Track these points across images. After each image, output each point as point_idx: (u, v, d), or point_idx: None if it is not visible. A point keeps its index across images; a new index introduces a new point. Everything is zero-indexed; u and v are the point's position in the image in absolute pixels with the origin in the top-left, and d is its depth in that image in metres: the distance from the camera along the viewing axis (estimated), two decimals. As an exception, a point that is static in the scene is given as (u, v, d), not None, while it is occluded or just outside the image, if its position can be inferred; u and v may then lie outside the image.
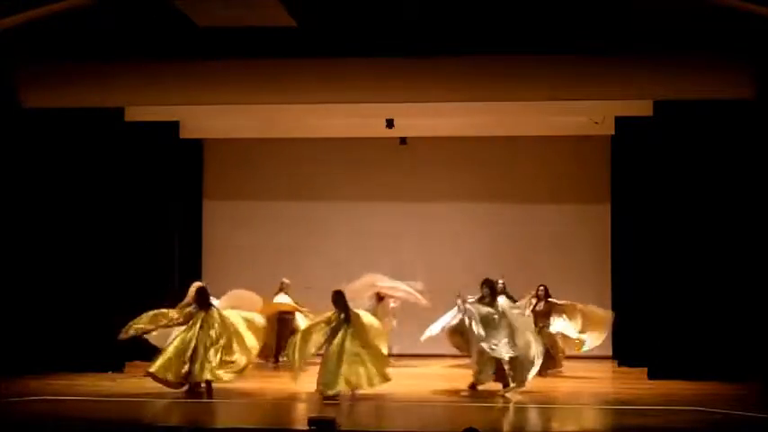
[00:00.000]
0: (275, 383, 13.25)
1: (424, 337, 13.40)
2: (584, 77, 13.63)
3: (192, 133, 16.21)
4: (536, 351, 12.38)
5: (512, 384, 12.30)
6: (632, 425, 10.61)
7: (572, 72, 13.60)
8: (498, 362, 12.38)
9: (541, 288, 14.49)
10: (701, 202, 13.81)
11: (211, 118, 15.78)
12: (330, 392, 11.81)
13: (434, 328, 13.32)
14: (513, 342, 12.26)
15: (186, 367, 12.17)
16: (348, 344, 11.95)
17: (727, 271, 13.64)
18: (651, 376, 13.74)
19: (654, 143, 14.10)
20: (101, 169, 14.50)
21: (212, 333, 12.28)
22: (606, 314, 14.19)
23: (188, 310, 12.51)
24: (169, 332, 12.58)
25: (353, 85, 13.83)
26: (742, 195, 13.66)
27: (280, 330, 14.82)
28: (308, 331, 12.28)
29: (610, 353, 15.39)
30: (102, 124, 14.46)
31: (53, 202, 14.48)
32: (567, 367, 14.70)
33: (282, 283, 15.23)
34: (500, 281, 14.35)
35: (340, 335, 11.99)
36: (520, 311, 13.02)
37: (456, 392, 12.59)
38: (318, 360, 12.23)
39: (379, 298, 14.62)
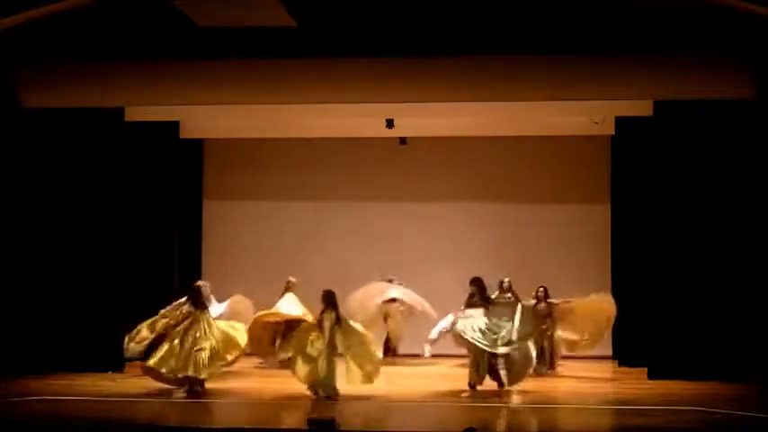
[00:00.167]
0: (275, 383, 13.25)
1: (427, 354, 13.32)
2: (584, 77, 13.63)
3: (192, 133, 16.20)
4: (532, 350, 12.47)
5: (506, 383, 12.36)
6: (632, 425, 10.61)
7: (572, 72, 13.60)
8: (491, 363, 12.43)
9: (541, 289, 14.49)
10: (701, 203, 13.81)
11: (211, 118, 15.76)
12: (321, 392, 11.92)
13: (432, 335, 13.29)
14: (509, 338, 12.31)
15: (179, 364, 12.26)
16: (338, 343, 12.05)
17: (726, 271, 13.64)
18: (651, 376, 13.74)
19: (654, 143, 14.10)
20: (101, 169, 14.51)
21: (199, 333, 12.37)
22: (606, 304, 14.04)
23: (184, 308, 12.56)
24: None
25: (353, 85, 13.83)
26: (742, 195, 13.66)
27: (286, 334, 14.80)
28: (302, 331, 12.37)
29: (610, 353, 15.38)
30: (102, 124, 14.47)
31: (53, 203, 14.48)
32: (567, 367, 14.70)
33: (289, 282, 15.15)
34: (506, 279, 14.43)
35: (328, 334, 12.03)
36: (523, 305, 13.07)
37: (456, 392, 12.58)
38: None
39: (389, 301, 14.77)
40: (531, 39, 13.17)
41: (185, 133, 15.97)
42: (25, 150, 14.45)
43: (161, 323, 12.54)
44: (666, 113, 13.80)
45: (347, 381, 12.07)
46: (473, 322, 12.50)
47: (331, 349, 12.03)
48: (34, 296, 14.31)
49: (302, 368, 12.15)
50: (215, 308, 13.61)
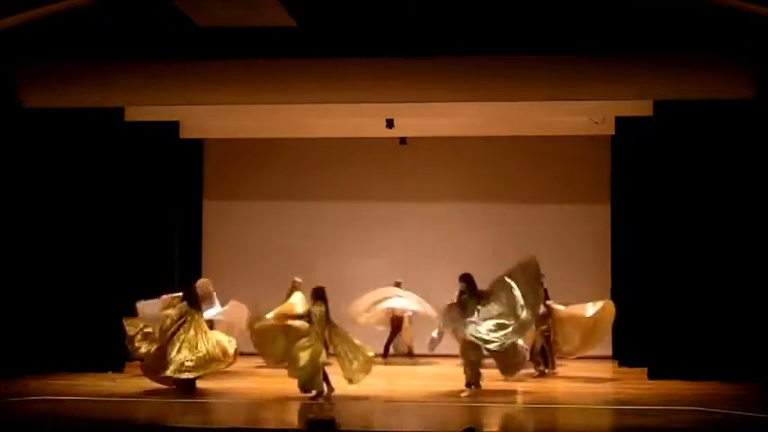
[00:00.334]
0: (275, 383, 13.24)
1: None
2: (584, 77, 13.62)
3: (192, 133, 16.21)
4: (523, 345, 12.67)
5: (502, 377, 12.47)
6: (632, 425, 10.63)
7: (572, 72, 13.59)
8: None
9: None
10: (701, 202, 13.81)
11: (211, 118, 15.77)
12: (312, 390, 11.95)
13: (434, 335, 13.32)
14: (498, 328, 12.37)
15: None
16: (327, 338, 12.10)
17: (726, 271, 13.64)
18: (651, 376, 13.75)
19: (654, 143, 14.10)
20: (101, 169, 14.51)
21: (190, 334, 12.42)
22: (605, 315, 14.04)
23: (182, 306, 12.58)
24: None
25: (353, 85, 13.82)
26: (742, 195, 13.66)
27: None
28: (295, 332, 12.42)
29: (610, 353, 15.40)
30: (102, 124, 14.47)
31: (53, 203, 14.48)
32: (568, 367, 14.71)
33: (294, 282, 15.06)
34: None
35: (317, 322, 12.06)
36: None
37: (456, 392, 12.59)
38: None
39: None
40: (531, 39, 13.17)
41: (185, 133, 15.98)
42: (25, 150, 14.45)
43: (166, 324, 12.53)
44: (666, 113, 13.80)
45: (345, 375, 12.07)
46: (481, 326, 12.54)
47: (319, 342, 12.01)
48: (34, 296, 14.31)
49: (293, 369, 12.17)
50: (214, 308, 13.64)
